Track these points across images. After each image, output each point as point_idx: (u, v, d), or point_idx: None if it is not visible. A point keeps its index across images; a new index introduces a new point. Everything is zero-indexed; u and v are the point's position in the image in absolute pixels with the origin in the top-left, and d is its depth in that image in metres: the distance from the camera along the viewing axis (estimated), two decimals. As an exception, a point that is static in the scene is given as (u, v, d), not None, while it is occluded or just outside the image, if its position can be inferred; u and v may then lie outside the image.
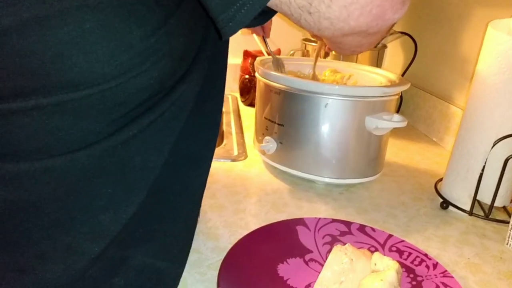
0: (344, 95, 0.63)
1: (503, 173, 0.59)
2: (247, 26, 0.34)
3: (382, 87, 0.66)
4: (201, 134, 0.38)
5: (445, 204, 0.66)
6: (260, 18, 0.34)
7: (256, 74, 0.73)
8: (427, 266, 0.49)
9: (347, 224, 0.56)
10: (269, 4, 0.29)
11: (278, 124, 0.68)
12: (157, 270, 0.37)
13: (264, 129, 0.71)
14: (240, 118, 1.02)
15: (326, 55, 0.97)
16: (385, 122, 0.63)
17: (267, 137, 0.70)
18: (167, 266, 0.38)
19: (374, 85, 0.72)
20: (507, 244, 0.57)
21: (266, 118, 0.70)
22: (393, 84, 0.70)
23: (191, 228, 0.41)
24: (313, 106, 0.64)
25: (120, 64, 0.28)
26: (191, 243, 0.43)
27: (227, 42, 0.39)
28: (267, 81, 0.69)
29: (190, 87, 0.33)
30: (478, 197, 0.62)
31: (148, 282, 0.36)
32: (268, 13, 0.35)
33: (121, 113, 0.30)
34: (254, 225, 0.56)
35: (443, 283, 0.46)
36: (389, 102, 0.66)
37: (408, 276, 0.48)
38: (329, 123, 0.64)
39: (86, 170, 0.30)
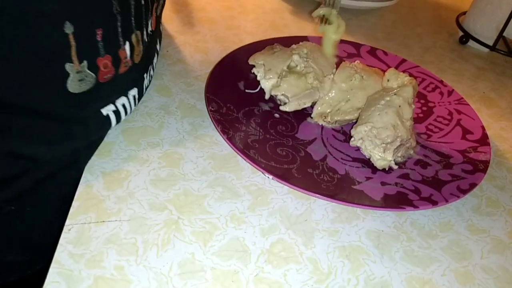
0: None
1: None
2: None
3: None
4: None
5: (465, 38, 0.58)
6: None
7: None
8: (441, 93, 0.44)
9: (357, 46, 0.49)
10: None
11: None
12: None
13: None
14: None
15: None
16: None
17: None
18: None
19: None
20: (526, 82, 0.52)
21: None
22: None
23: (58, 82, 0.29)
24: None
25: None
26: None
27: None
28: None
29: None
30: (504, 33, 0.55)
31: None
32: None
33: None
34: (249, 42, 0.48)
35: (456, 110, 0.41)
36: None
37: (418, 101, 0.43)
38: None
39: None
